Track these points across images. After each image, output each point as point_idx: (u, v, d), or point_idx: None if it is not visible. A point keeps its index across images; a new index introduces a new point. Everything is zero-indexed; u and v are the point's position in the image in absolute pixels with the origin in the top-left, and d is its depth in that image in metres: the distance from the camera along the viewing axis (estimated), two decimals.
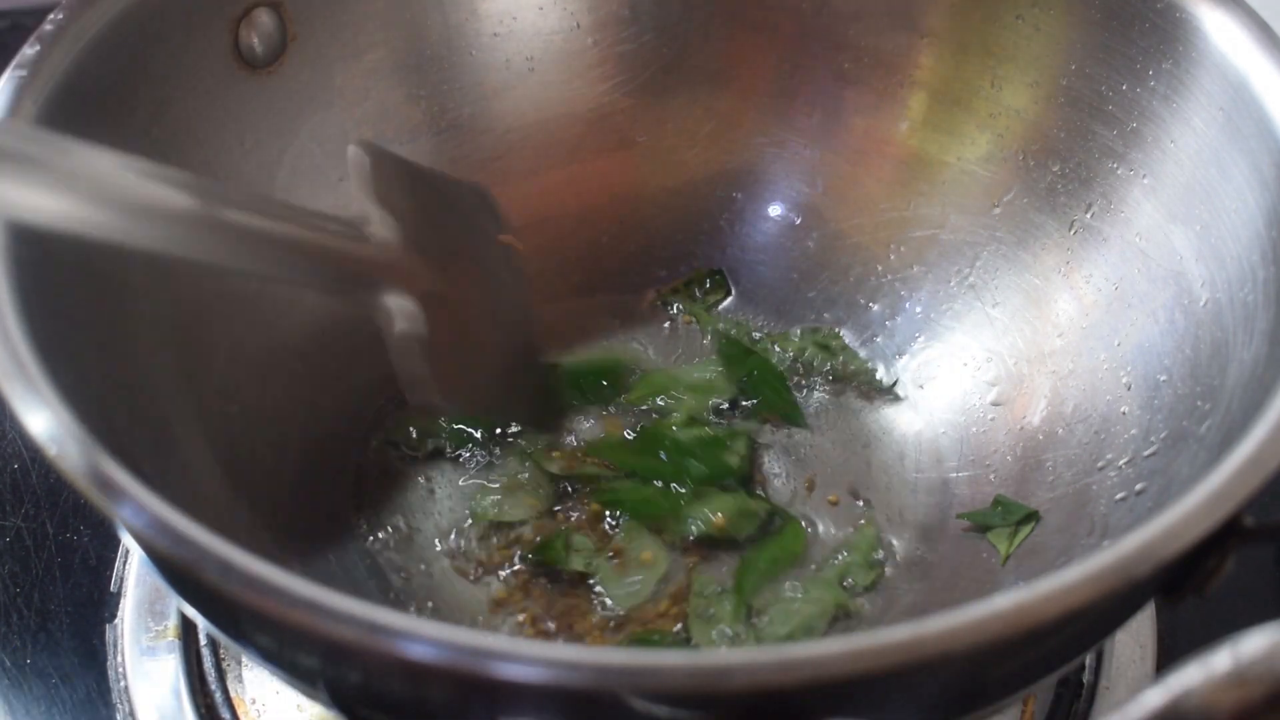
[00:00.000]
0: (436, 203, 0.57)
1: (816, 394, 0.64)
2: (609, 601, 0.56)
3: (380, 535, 0.58)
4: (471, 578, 0.57)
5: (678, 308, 0.67)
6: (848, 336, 0.65)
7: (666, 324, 0.67)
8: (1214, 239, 0.51)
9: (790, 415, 0.63)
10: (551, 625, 0.55)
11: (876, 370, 0.64)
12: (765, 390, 0.63)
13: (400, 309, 0.51)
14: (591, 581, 0.57)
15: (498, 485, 0.60)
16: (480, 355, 0.58)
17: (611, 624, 0.55)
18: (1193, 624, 0.59)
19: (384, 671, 0.36)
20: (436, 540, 0.58)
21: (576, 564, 0.57)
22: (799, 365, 0.65)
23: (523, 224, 0.66)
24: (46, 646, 0.58)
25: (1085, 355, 0.58)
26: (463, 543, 0.58)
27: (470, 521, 0.58)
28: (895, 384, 0.64)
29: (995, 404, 0.61)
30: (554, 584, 0.57)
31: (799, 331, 0.66)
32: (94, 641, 0.58)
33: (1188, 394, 0.50)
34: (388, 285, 0.51)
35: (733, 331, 0.66)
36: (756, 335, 0.66)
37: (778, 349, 0.65)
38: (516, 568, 0.57)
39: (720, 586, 0.56)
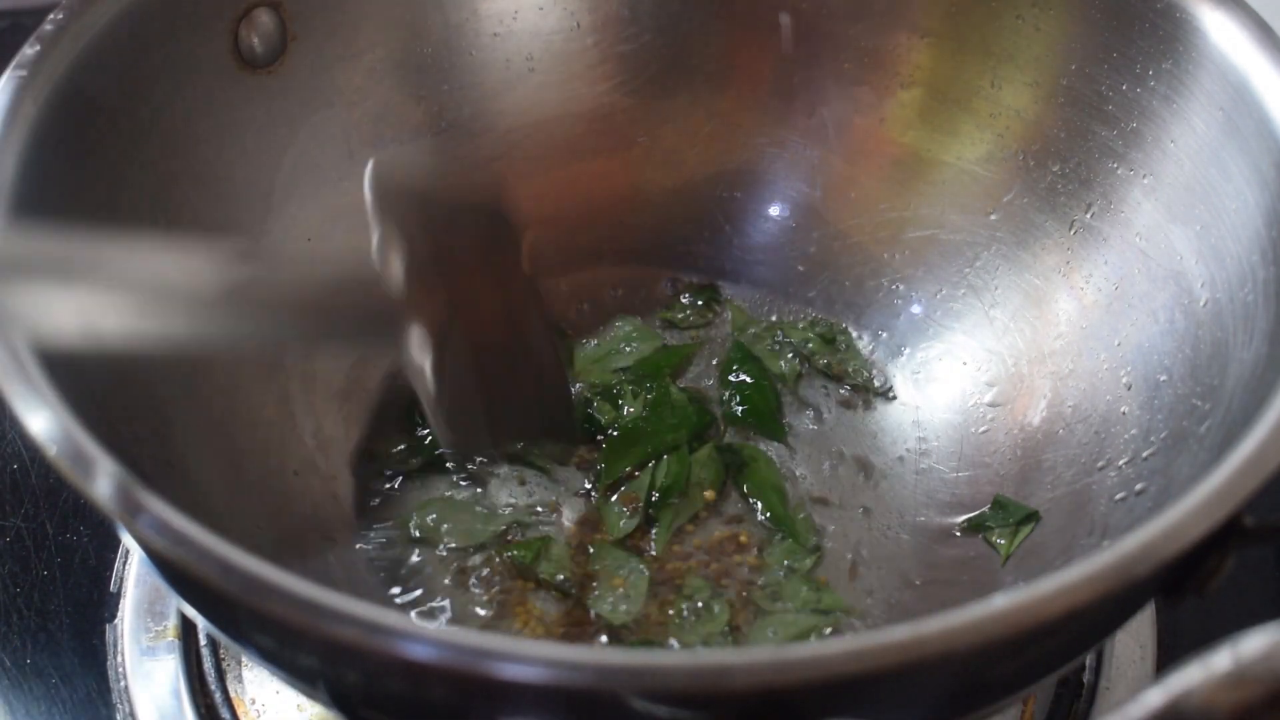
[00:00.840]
0: (450, 227, 0.56)
1: (816, 391, 0.64)
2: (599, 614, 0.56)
3: (378, 538, 0.58)
4: (466, 585, 0.57)
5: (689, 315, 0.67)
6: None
7: (659, 323, 0.67)
8: (1214, 239, 0.51)
9: (772, 432, 0.62)
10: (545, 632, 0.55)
11: (873, 370, 0.64)
12: (754, 400, 0.63)
13: (415, 341, 0.51)
14: (580, 599, 0.56)
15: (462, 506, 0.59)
16: (498, 390, 0.57)
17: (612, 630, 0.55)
18: (1193, 624, 0.59)
19: (384, 671, 0.36)
20: (435, 547, 0.58)
21: (545, 572, 0.56)
22: (797, 356, 0.65)
23: (522, 224, 0.66)
24: (46, 646, 0.58)
25: (1085, 355, 0.58)
26: (456, 550, 0.58)
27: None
28: (889, 389, 0.64)
29: (995, 404, 0.61)
30: (547, 595, 0.57)
31: (805, 320, 0.66)
32: (94, 641, 0.58)
33: (1188, 394, 0.50)
34: (402, 320, 0.51)
35: (750, 330, 0.66)
36: (774, 318, 0.66)
37: (781, 335, 0.65)
38: (505, 581, 0.57)
39: (711, 591, 0.56)
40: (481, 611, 0.55)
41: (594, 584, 0.56)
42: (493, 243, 0.57)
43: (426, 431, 0.61)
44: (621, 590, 0.56)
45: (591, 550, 0.57)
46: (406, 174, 0.55)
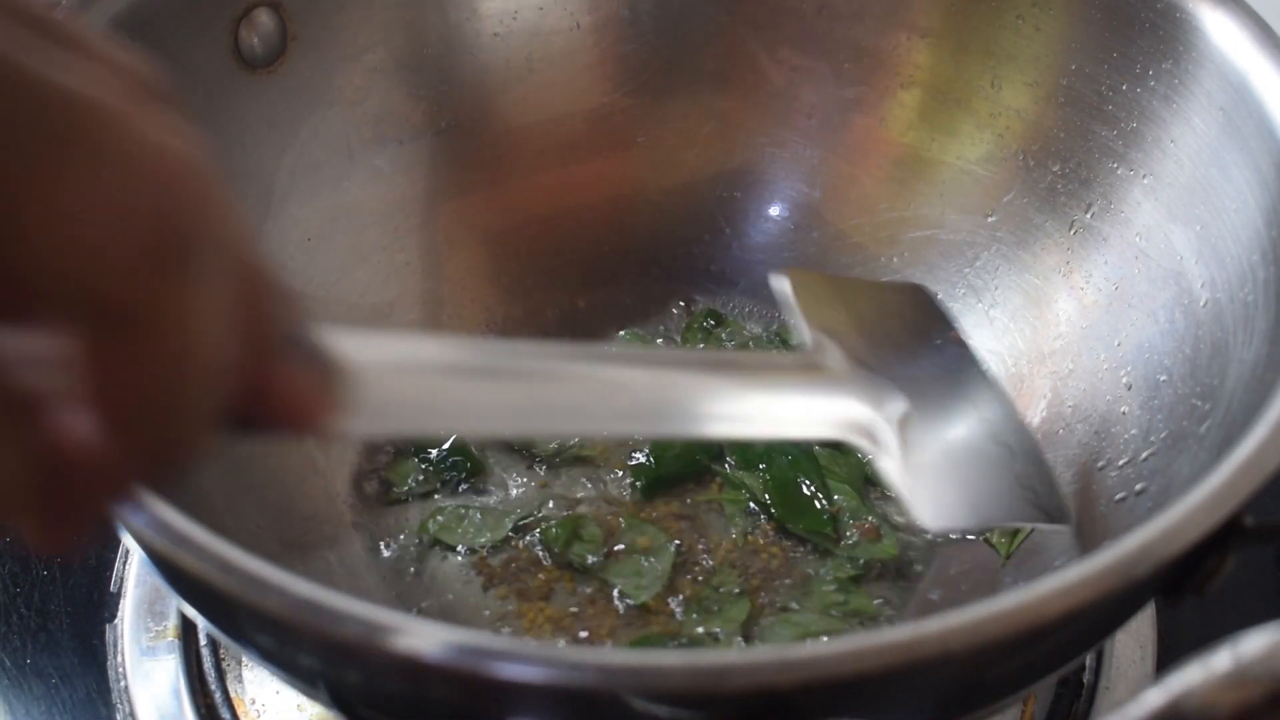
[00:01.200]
0: (875, 312, 0.54)
1: None
2: (624, 599, 0.55)
3: (385, 535, 0.58)
4: (483, 580, 0.57)
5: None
6: None
7: (660, 326, 0.67)
8: (1214, 239, 0.51)
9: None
10: (564, 627, 0.55)
11: None
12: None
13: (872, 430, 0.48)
14: (604, 578, 0.56)
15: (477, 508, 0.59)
16: (959, 462, 0.52)
17: (627, 624, 0.55)
18: (1193, 624, 0.59)
19: (384, 671, 0.36)
20: (452, 548, 0.58)
21: (576, 553, 0.56)
22: None
23: (522, 224, 0.66)
24: (46, 646, 0.58)
25: (1085, 355, 0.58)
26: (477, 549, 0.58)
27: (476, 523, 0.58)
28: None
29: None
30: (565, 583, 0.57)
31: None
32: (94, 641, 0.58)
33: (1188, 394, 0.50)
34: (853, 410, 0.48)
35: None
36: (757, 330, 0.66)
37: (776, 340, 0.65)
38: (526, 571, 0.57)
39: (739, 588, 0.56)
40: (498, 608, 0.55)
41: (620, 555, 0.57)
42: (918, 316, 0.56)
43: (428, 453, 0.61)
44: (644, 567, 0.56)
45: (622, 520, 0.58)
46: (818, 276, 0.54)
